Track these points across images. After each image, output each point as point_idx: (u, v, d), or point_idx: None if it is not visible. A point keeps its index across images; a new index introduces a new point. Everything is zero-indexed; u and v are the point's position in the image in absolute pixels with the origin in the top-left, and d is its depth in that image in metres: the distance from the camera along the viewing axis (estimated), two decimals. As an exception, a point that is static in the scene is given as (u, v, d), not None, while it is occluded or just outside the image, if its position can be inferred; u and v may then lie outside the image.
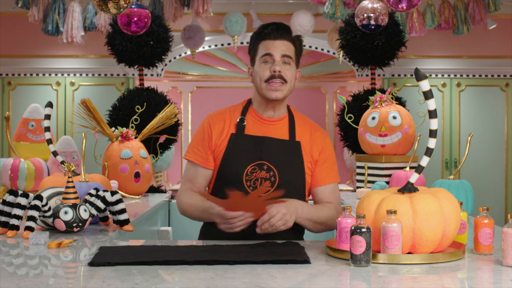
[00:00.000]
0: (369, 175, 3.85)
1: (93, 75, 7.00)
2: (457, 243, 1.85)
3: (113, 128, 3.97)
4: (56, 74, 6.98)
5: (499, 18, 6.82)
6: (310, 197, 2.34)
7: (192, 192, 2.22)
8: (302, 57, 7.62)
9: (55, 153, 2.66)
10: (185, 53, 6.99)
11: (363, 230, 1.62)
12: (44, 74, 6.98)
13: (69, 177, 2.24)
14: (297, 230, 2.23)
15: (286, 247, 1.86)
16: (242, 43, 6.73)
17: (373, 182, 3.78)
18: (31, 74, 6.97)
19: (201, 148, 2.25)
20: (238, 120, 2.24)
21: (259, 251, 1.81)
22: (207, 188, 2.30)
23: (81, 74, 7.00)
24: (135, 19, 4.19)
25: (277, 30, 2.20)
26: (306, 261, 1.70)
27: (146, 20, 4.24)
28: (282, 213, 2.00)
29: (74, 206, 2.18)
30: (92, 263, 1.66)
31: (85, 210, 2.21)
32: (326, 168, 2.28)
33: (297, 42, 2.25)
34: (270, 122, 2.26)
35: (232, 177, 2.17)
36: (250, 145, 2.19)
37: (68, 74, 6.99)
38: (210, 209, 2.07)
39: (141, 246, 1.98)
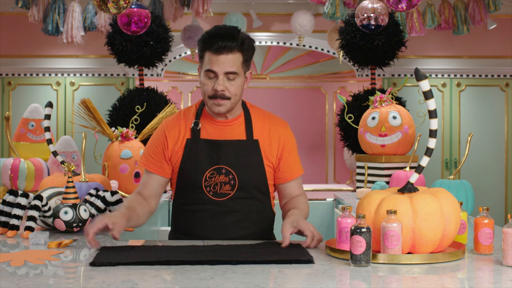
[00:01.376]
0: (369, 175, 3.85)
1: (93, 75, 7.00)
2: (457, 243, 1.85)
3: (113, 128, 3.97)
4: (56, 74, 6.99)
5: (499, 18, 6.82)
6: (276, 193, 2.30)
7: (135, 196, 2.19)
8: (302, 57, 7.70)
9: (55, 153, 2.66)
10: (185, 53, 7.00)
11: (363, 230, 1.62)
12: (44, 74, 6.98)
13: (69, 177, 2.24)
14: (267, 227, 2.24)
15: (287, 247, 1.86)
16: (242, 43, 6.72)
17: (373, 182, 3.78)
18: (31, 74, 6.97)
19: (155, 157, 2.20)
20: (192, 124, 2.19)
21: (261, 251, 1.81)
22: (161, 196, 2.27)
23: (81, 74, 7.00)
24: (135, 19, 4.19)
25: (221, 41, 2.07)
26: (309, 261, 1.70)
27: (146, 20, 4.24)
28: (312, 227, 1.97)
29: (74, 206, 2.18)
30: (93, 263, 1.66)
31: (85, 210, 2.21)
32: (292, 162, 2.23)
33: (245, 47, 2.12)
34: (225, 123, 2.20)
35: (192, 183, 2.15)
36: (206, 149, 2.15)
37: (68, 74, 6.99)
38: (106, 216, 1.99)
39: (142, 246, 1.98)
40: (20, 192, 2.15)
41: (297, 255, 1.75)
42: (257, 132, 2.21)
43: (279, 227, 2.22)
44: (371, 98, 3.90)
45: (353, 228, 1.63)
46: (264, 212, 2.21)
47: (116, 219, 1.93)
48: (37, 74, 6.98)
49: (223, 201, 2.13)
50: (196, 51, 6.55)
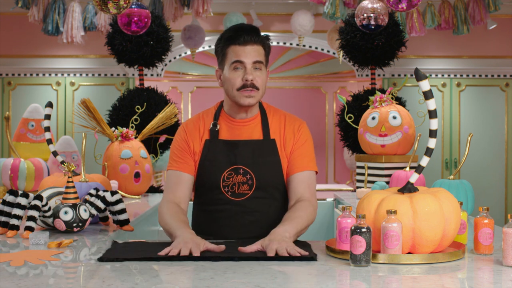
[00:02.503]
0: (369, 175, 3.85)
1: (93, 75, 7.00)
2: (457, 243, 1.85)
3: (113, 128, 3.97)
4: (56, 74, 6.99)
5: (499, 18, 6.82)
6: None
7: (172, 205, 2.13)
8: (302, 57, 7.71)
9: (55, 153, 2.66)
10: (185, 53, 7.00)
11: (363, 230, 1.62)
12: (44, 74, 6.98)
13: (69, 177, 2.24)
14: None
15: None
16: (242, 43, 6.72)
17: (373, 182, 3.78)
18: (31, 74, 6.97)
19: (182, 156, 2.20)
20: (211, 125, 2.21)
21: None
22: (191, 197, 2.24)
23: (81, 74, 7.00)
24: (135, 19, 4.19)
25: (246, 34, 2.13)
26: (312, 258, 1.70)
27: (146, 20, 4.24)
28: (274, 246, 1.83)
29: (74, 206, 2.18)
30: (101, 259, 1.67)
31: (85, 210, 2.21)
32: (301, 154, 2.20)
33: (266, 43, 2.20)
34: (243, 123, 2.21)
35: (210, 184, 2.15)
36: (224, 150, 2.16)
37: (68, 74, 6.99)
38: (174, 233, 1.96)
39: (152, 243, 1.97)
40: (20, 192, 2.15)
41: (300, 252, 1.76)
42: (274, 131, 2.22)
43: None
44: (371, 98, 3.90)
45: (353, 228, 1.63)
46: (282, 212, 2.19)
47: (199, 240, 1.86)
48: (37, 74, 6.98)
49: (241, 201, 2.13)
50: (196, 51, 6.58)
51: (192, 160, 2.20)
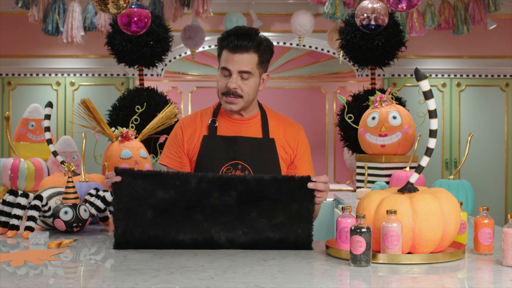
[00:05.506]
0: (369, 175, 3.85)
1: (93, 75, 7.00)
2: (457, 243, 1.85)
3: (113, 128, 3.97)
4: (56, 74, 6.99)
5: (499, 18, 6.82)
6: None
7: None
8: (302, 57, 7.70)
9: (55, 153, 2.66)
10: (185, 53, 7.00)
11: (363, 230, 1.62)
12: (44, 74, 6.98)
13: (69, 177, 2.24)
14: None
15: (294, 189, 1.88)
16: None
17: (373, 182, 3.78)
18: (31, 74, 6.97)
19: (174, 152, 2.26)
20: (209, 121, 2.25)
21: (264, 202, 1.87)
22: None
23: (81, 74, 7.00)
24: (135, 19, 4.19)
25: (237, 40, 2.13)
26: (308, 245, 1.79)
27: (146, 20, 4.24)
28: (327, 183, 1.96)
29: (74, 206, 2.18)
30: (117, 246, 1.85)
31: (85, 210, 2.21)
32: (304, 163, 2.28)
33: (262, 48, 2.17)
34: (242, 121, 2.27)
35: None
36: (223, 145, 2.20)
37: (68, 74, 6.99)
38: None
39: (162, 175, 1.93)
40: (20, 192, 2.15)
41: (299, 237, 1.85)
42: (273, 131, 2.26)
43: None
44: (371, 98, 3.90)
45: (353, 228, 1.63)
46: None
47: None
48: (37, 74, 6.98)
49: None
50: (196, 51, 6.59)
51: (185, 156, 2.24)
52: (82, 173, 2.63)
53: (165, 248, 1.88)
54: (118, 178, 1.89)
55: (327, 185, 1.93)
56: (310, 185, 1.89)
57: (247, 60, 2.15)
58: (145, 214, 1.88)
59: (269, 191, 1.87)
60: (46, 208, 2.15)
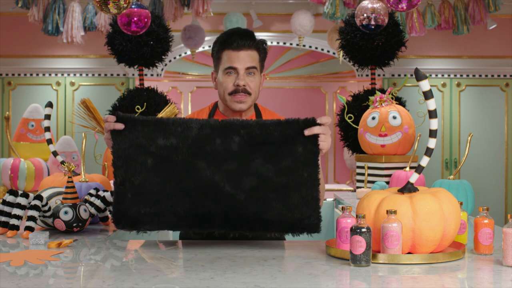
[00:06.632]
0: (369, 175, 3.85)
1: (93, 75, 7.00)
2: (457, 243, 1.85)
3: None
4: (56, 74, 6.99)
5: (499, 18, 6.82)
6: None
7: None
8: (302, 57, 7.70)
9: (55, 153, 2.66)
10: (185, 53, 7.00)
11: (363, 230, 1.62)
12: (44, 74, 6.98)
13: (69, 177, 2.24)
14: None
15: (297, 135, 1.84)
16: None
17: (373, 182, 3.77)
18: (31, 74, 6.97)
19: None
20: None
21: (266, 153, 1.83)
22: None
23: (81, 74, 7.00)
24: (135, 19, 4.19)
25: (240, 39, 2.15)
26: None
27: (146, 20, 4.24)
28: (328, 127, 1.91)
29: (74, 206, 2.18)
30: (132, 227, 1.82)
31: (85, 210, 2.21)
32: None
33: (261, 47, 2.20)
34: None
35: None
36: None
37: (68, 74, 6.99)
38: None
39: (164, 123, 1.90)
40: (20, 192, 2.15)
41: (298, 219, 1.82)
42: None
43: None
44: (371, 98, 3.90)
45: (353, 228, 1.63)
46: None
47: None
48: (37, 74, 6.98)
49: None
50: (196, 51, 6.58)
51: None
52: (82, 173, 2.63)
53: (167, 198, 1.82)
54: (121, 126, 1.85)
55: (326, 127, 1.86)
56: (306, 132, 1.84)
57: (252, 56, 2.17)
58: (146, 162, 1.83)
59: (273, 135, 1.83)
60: (46, 208, 2.15)
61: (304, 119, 1.84)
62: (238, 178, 1.82)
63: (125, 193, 1.84)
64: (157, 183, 1.83)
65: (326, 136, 1.87)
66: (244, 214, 1.83)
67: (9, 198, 2.15)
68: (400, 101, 4.50)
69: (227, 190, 1.82)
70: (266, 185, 1.82)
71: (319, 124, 1.85)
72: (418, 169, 1.83)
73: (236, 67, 2.15)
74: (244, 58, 2.15)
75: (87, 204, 2.25)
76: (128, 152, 1.84)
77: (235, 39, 2.15)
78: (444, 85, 7.01)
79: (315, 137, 1.84)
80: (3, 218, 2.15)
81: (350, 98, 4.96)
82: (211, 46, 2.27)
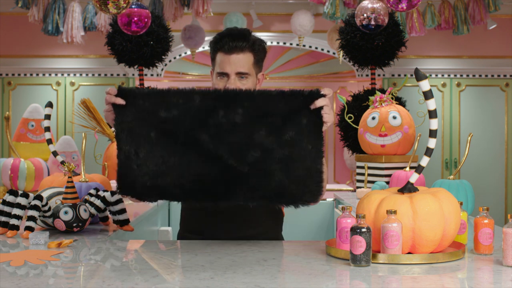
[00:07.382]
0: (369, 175, 3.85)
1: (93, 75, 7.00)
2: (457, 243, 1.85)
3: (113, 128, 3.96)
4: (56, 74, 6.99)
5: (499, 18, 6.82)
6: None
7: None
8: (302, 57, 7.69)
9: (55, 153, 2.66)
10: (185, 53, 7.00)
11: (363, 230, 1.62)
12: (44, 74, 6.98)
13: (69, 177, 2.24)
14: (276, 227, 2.23)
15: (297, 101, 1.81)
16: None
17: (373, 182, 3.77)
18: (31, 74, 6.97)
19: None
20: None
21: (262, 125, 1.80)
22: None
23: (81, 74, 7.00)
24: (135, 19, 4.19)
25: (232, 41, 2.09)
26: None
27: (146, 20, 4.24)
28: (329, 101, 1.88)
29: (74, 206, 2.18)
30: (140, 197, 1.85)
31: (85, 210, 2.21)
32: None
33: (256, 48, 2.15)
34: None
35: None
36: None
37: (68, 74, 6.99)
38: None
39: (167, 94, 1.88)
40: (20, 192, 2.15)
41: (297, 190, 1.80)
42: None
43: (288, 228, 2.22)
44: (371, 98, 3.90)
45: (353, 228, 1.63)
46: (273, 212, 2.20)
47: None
48: (37, 74, 6.98)
49: None
50: (196, 51, 6.58)
51: None
52: (82, 173, 2.63)
53: (171, 171, 1.82)
54: (122, 102, 1.85)
55: (326, 99, 1.82)
56: (311, 106, 1.80)
57: (244, 60, 2.11)
58: (149, 135, 1.83)
59: (277, 107, 1.80)
60: (46, 208, 2.15)
61: (309, 91, 1.81)
62: (242, 151, 1.80)
63: (130, 165, 1.87)
64: (162, 155, 1.83)
65: (329, 108, 1.85)
66: (248, 186, 1.81)
67: (9, 198, 2.15)
68: (400, 101, 4.50)
69: (231, 163, 1.80)
70: (270, 157, 1.80)
71: (323, 95, 1.82)
72: (418, 169, 1.83)
73: (226, 72, 2.11)
74: (235, 63, 2.10)
75: (87, 204, 2.25)
76: (131, 125, 1.85)
77: (227, 41, 2.10)
78: (444, 85, 7.01)
79: (319, 109, 1.81)
80: (3, 218, 2.15)
81: (350, 98, 4.95)
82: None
